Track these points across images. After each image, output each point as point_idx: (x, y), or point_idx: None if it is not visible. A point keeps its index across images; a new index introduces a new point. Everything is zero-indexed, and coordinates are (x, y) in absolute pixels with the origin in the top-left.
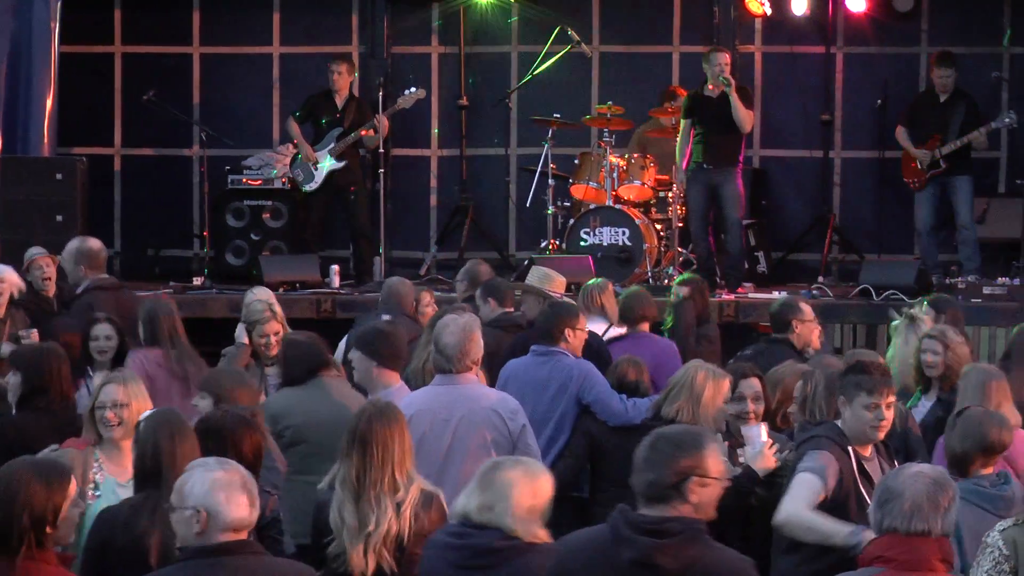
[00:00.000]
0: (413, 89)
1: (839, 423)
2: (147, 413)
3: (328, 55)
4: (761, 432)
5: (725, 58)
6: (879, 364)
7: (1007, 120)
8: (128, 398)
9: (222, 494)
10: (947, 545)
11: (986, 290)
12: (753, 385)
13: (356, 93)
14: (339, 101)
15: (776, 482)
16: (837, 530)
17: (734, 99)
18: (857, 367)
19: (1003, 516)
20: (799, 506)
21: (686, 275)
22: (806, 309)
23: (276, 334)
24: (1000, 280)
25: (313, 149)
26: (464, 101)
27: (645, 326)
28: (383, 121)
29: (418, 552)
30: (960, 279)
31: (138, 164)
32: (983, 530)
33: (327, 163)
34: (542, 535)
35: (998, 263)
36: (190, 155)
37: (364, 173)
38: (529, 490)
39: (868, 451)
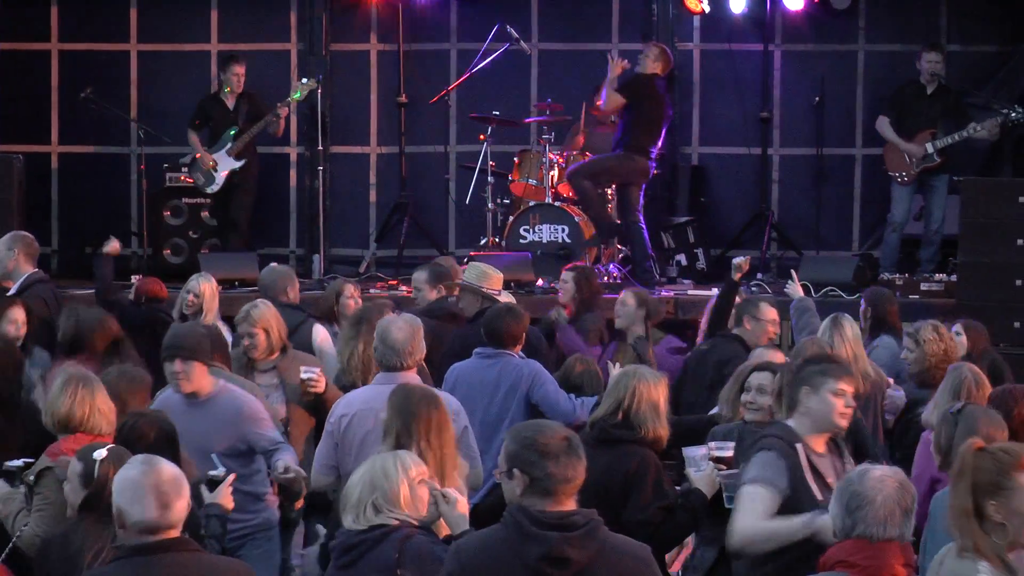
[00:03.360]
0: (305, 80)
1: (792, 420)
2: (102, 453)
3: (267, 52)
4: (701, 453)
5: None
6: (839, 354)
7: (1014, 115)
8: None
9: (128, 494)
10: (910, 550)
11: (923, 286)
12: (760, 377)
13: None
14: (229, 101)
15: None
16: (795, 527)
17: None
18: (820, 357)
19: None
20: (751, 521)
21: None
22: (764, 309)
23: (251, 336)
24: (938, 276)
25: (210, 151)
26: (403, 98)
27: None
28: (282, 113)
29: None
30: (898, 275)
31: (75, 162)
32: None
33: (227, 164)
34: None
35: (935, 260)
36: (128, 153)
37: (300, 169)
38: None
39: (822, 447)
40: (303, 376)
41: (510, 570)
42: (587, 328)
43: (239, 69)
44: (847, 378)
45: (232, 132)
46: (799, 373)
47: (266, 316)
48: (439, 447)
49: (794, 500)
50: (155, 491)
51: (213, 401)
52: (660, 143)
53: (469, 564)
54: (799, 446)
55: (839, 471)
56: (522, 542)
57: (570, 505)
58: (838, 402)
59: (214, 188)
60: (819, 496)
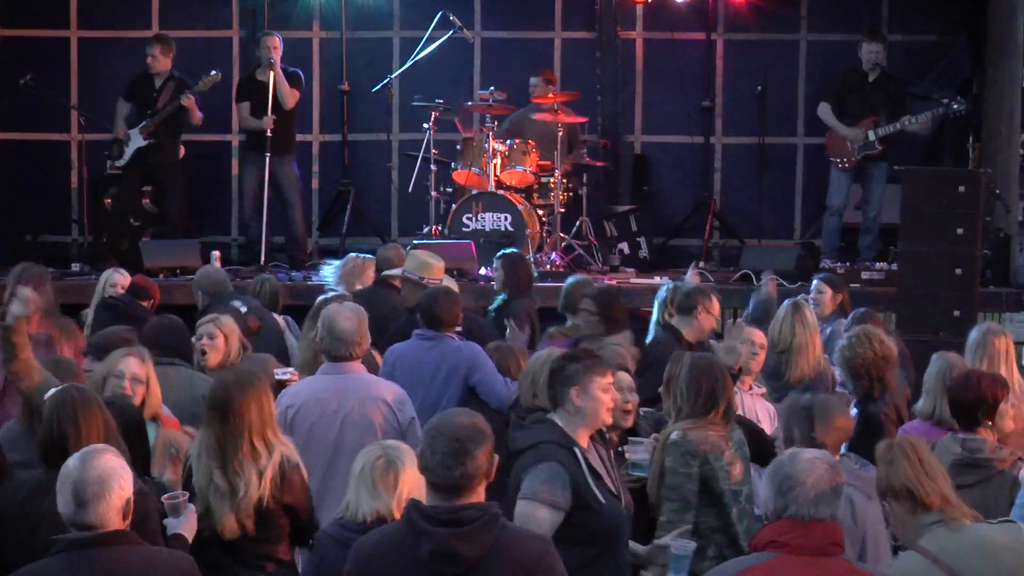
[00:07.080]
0: (213, 72)
1: (558, 418)
2: (53, 391)
3: (208, 39)
4: (647, 448)
5: (274, 41)
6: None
7: (955, 106)
8: None
9: (58, 485)
10: (840, 529)
11: (864, 275)
12: (622, 379)
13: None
14: (157, 82)
15: None
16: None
17: (279, 78)
18: (577, 355)
19: (871, 495)
20: None
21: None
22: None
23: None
24: (879, 265)
25: (127, 129)
26: (346, 86)
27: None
28: (187, 104)
29: (279, 516)
30: (839, 264)
31: (16, 149)
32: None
33: (136, 141)
34: None
35: (875, 248)
36: (68, 140)
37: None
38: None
39: (586, 441)
40: (278, 377)
41: (405, 566)
42: (516, 314)
43: (156, 50)
44: (610, 372)
45: (150, 112)
46: (563, 372)
47: (228, 324)
48: (260, 426)
49: (577, 510)
50: (73, 487)
51: None
52: None
53: (367, 561)
54: (576, 450)
55: (605, 459)
56: (414, 538)
57: (468, 499)
58: (606, 398)
59: (121, 163)
60: (601, 499)
